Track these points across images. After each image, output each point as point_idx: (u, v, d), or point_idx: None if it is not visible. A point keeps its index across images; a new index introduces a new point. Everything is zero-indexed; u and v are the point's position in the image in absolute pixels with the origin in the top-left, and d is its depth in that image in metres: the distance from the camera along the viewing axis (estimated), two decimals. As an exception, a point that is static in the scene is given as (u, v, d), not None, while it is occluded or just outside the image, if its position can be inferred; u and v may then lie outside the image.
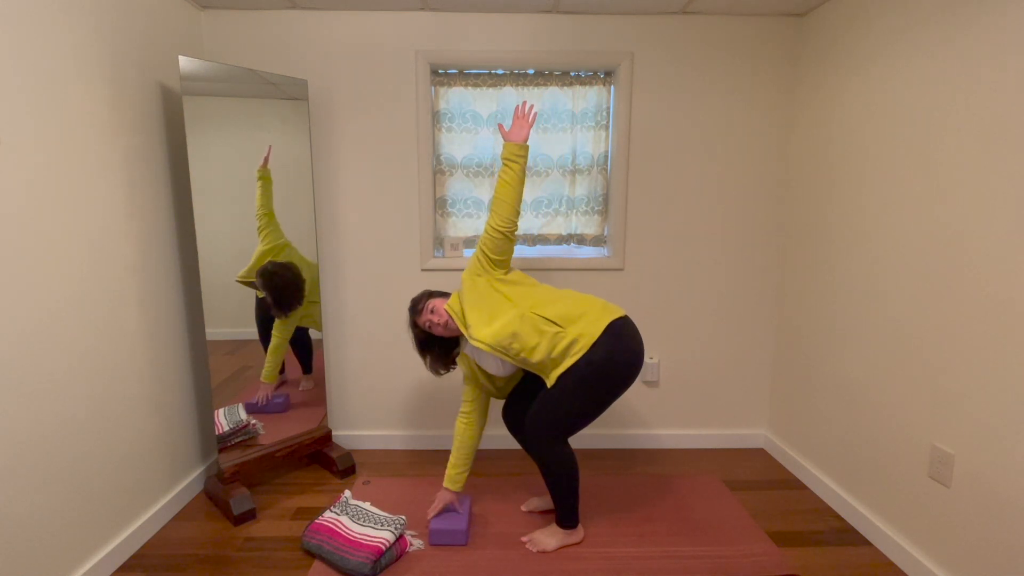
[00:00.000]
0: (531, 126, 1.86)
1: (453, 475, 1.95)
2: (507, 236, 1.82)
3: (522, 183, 1.84)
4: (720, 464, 2.56)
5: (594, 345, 1.70)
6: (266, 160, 2.16)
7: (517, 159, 1.82)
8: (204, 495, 2.27)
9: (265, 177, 2.16)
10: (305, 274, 2.32)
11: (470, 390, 1.96)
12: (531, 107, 1.90)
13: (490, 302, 1.76)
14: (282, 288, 2.24)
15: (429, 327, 1.86)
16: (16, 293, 1.45)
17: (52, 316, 1.56)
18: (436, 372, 1.98)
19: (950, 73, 1.64)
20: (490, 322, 1.73)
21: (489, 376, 1.94)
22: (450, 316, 1.81)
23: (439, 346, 1.96)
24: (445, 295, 1.93)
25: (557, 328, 1.71)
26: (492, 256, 1.82)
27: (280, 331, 2.27)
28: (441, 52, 2.39)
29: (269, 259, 2.19)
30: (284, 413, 2.35)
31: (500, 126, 1.91)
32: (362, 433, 2.70)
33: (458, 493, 1.97)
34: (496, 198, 1.84)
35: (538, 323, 1.71)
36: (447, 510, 1.97)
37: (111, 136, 1.79)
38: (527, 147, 1.84)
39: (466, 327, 1.77)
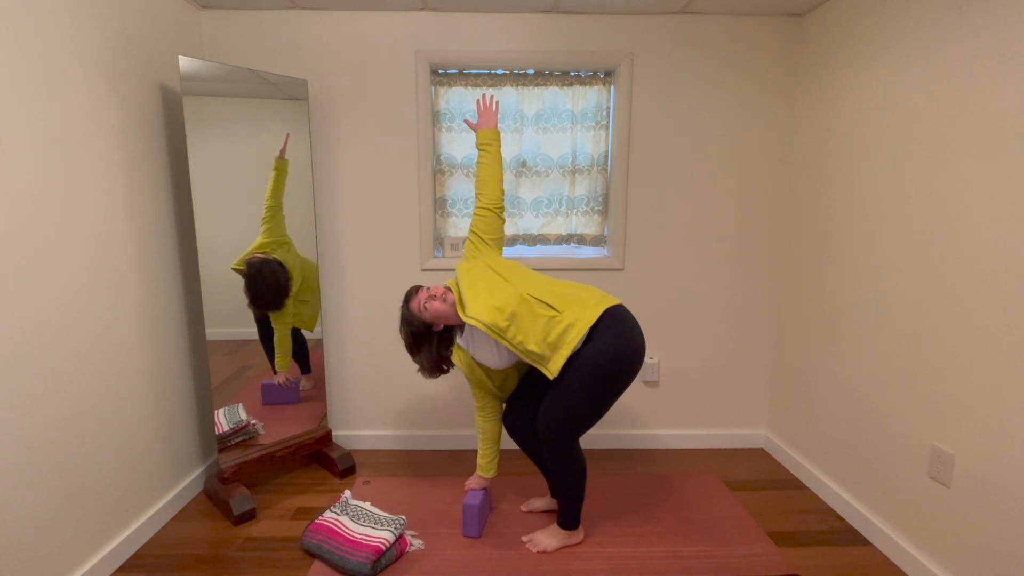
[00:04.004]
0: (496, 114, 1.99)
1: (484, 464, 1.99)
2: (496, 214, 1.91)
3: (500, 164, 1.96)
4: (720, 464, 2.56)
5: (591, 332, 1.68)
6: (283, 151, 2.16)
7: (492, 142, 1.94)
8: (204, 495, 2.27)
9: (280, 168, 2.16)
10: (296, 275, 2.30)
11: (476, 390, 1.96)
12: (491, 97, 2.02)
13: (487, 283, 1.74)
14: (258, 287, 2.19)
15: (424, 307, 1.76)
16: (16, 294, 1.45)
17: (52, 317, 1.56)
18: (432, 373, 1.89)
19: (948, 73, 1.64)
20: (487, 299, 1.69)
21: (487, 372, 1.90)
22: (448, 289, 1.78)
23: (433, 341, 1.87)
24: None
25: (553, 312, 1.69)
26: (485, 236, 1.90)
27: (277, 323, 2.28)
28: (441, 52, 2.39)
29: (262, 252, 2.18)
30: (295, 405, 2.38)
31: (467, 122, 2.03)
32: (362, 433, 2.70)
33: (491, 479, 2.05)
34: (480, 180, 1.94)
35: (534, 306, 1.68)
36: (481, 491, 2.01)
37: (111, 136, 1.79)
38: (498, 132, 1.96)
39: (463, 307, 1.74)
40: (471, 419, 2.71)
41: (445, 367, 1.91)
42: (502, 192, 1.94)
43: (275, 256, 2.22)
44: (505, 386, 1.97)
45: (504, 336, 1.69)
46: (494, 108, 1.99)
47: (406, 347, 1.87)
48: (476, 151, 2.50)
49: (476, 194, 1.95)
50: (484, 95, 2.01)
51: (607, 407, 1.76)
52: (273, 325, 2.26)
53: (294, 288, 2.30)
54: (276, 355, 2.29)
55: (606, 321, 1.70)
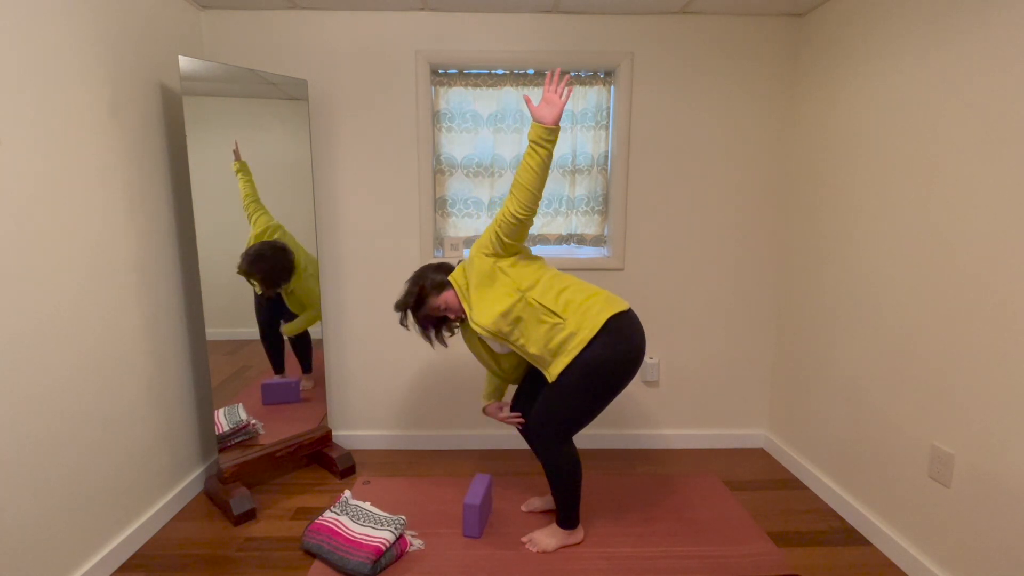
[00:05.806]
0: (564, 103, 1.61)
1: (490, 391, 2.07)
2: (523, 223, 1.69)
3: (546, 169, 1.64)
4: (720, 464, 2.56)
5: (592, 341, 1.68)
6: (236, 154, 2.11)
7: (544, 143, 1.60)
8: (204, 495, 2.27)
9: (242, 170, 2.13)
10: (298, 253, 2.32)
11: (487, 369, 2.04)
12: (564, 79, 1.66)
13: (495, 284, 1.73)
14: (263, 264, 2.22)
15: (438, 311, 1.84)
16: (16, 294, 1.45)
17: (52, 317, 1.56)
18: (442, 342, 1.94)
19: (949, 74, 1.64)
20: (492, 306, 1.70)
21: (494, 355, 1.94)
22: (459, 300, 1.80)
23: (439, 322, 1.94)
24: (443, 271, 1.85)
25: (556, 319, 1.69)
26: (505, 239, 1.71)
27: (291, 302, 2.32)
28: (441, 52, 2.39)
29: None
30: (295, 405, 2.38)
31: (527, 99, 1.67)
32: (362, 433, 2.70)
33: (500, 404, 2.07)
34: (516, 182, 1.66)
35: (539, 312, 1.69)
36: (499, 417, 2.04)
37: (111, 136, 1.79)
38: (557, 129, 1.60)
39: (470, 308, 1.76)
40: (471, 419, 2.71)
41: (456, 326, 1.95)
42: (537, 201, 1.67)
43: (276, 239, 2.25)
44: (514, 372, 2.00)
45: (507, 339, 1.74)
46: (563, 96, 1.62)
47: (417, 323, 1.89)
48: (476, 151, 2.52)
49: (510, 192, 1.68)
50: (557, 71, 1.66)
51: (600, 409, 1.78)
52: (287, 304, 2.30)
53: (300, 262, 2.31)
54: (294, 323, 2.35)
55: (608, 328, 1.70)
